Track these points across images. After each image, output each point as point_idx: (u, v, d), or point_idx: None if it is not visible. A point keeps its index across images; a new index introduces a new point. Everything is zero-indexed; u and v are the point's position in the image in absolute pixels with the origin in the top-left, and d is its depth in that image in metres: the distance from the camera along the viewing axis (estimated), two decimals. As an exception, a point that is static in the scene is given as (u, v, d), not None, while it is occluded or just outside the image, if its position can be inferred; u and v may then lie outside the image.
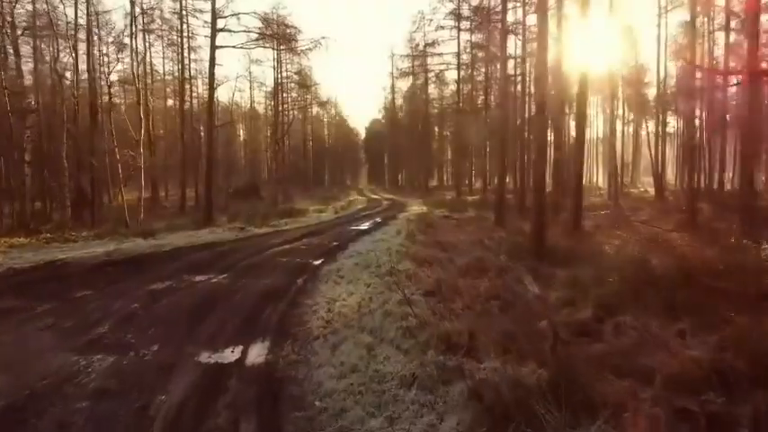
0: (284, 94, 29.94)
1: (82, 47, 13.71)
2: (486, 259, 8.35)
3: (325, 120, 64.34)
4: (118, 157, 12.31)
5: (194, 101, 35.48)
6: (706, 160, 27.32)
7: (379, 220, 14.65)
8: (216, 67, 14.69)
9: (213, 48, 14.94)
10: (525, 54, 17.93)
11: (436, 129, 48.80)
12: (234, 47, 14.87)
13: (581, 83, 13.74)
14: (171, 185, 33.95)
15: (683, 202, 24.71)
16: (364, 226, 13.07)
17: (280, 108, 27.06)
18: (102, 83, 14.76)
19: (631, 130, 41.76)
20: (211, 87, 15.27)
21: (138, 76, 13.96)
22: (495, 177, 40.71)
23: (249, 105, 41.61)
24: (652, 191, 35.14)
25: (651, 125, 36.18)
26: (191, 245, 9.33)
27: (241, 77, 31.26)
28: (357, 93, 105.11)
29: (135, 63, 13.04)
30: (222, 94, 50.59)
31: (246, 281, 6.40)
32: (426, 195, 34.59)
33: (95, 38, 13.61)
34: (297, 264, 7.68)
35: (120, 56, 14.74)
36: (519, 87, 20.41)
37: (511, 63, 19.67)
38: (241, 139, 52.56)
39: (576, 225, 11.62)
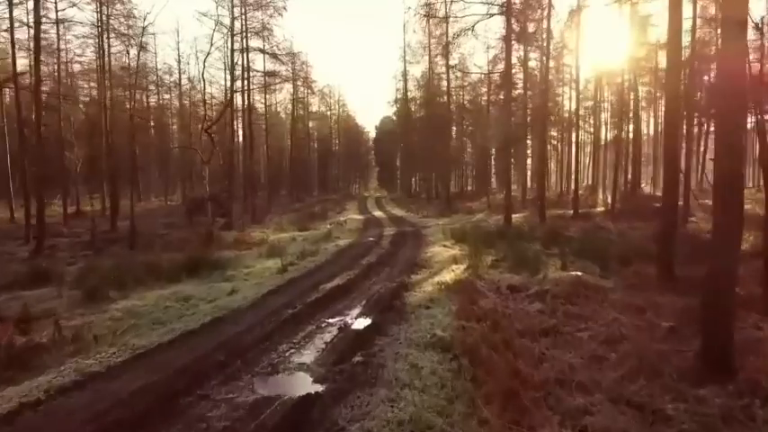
0: (248, 71, 21.31)
1: None
2: None
3: (329, 113, 55.91)
4: None
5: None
6: None
7: (354, 324, 5.61)
8: None
9: None
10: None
11: (454, 128, 39.66)
12: None
13: None
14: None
15: None
16: (295, 389, 4.11)
17: (235, 85, 18.37)
18: None
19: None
20: (37, 27, 6.65)
21: None
22: (540, 184, 30.94)
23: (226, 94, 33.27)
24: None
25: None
26: None
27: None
28: (368, 94, 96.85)
29: None
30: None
31: None
32: (449, 210, 25.61)
33: None
34: None
35: None
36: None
37: None
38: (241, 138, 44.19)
39: None
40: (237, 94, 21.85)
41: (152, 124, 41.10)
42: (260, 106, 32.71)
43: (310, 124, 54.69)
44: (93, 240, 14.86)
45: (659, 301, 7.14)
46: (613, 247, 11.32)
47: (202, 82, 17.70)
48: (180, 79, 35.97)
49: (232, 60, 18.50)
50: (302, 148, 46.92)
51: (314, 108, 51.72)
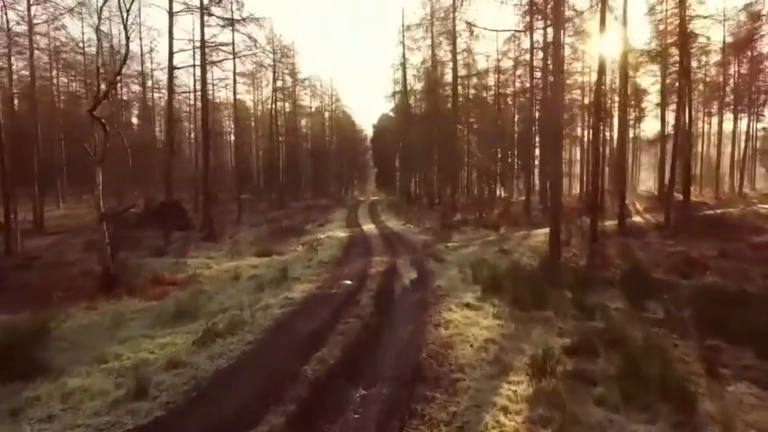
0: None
1: None
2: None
3: (322, 108, 51.01)
4: None
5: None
6: None
7: None
8: None
9: None
10: None
11: (458, 126, 34.78)
12: None
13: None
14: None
15: None
16: None
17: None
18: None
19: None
20: None
21: None
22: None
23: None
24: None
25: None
26: None
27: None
28: (367, 97, 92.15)
29: None
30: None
31: None
32: (455, 223, 20.81)
33: None
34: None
35: None
36: None
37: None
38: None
39: None
40: (197, 79, 17.02)
41: (137, 120, 36.15)
42: (247, 101, 27.85)
43: (303, 122, 49.86)
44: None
45: None
46: (758, 314, 6.47)
47: (98, 43, 12.66)
48: (147, 71, 31.13)
49: (170, 24, 13.69)
50: (292, 147, 42.02)
51: (305, 103, 46.90)
